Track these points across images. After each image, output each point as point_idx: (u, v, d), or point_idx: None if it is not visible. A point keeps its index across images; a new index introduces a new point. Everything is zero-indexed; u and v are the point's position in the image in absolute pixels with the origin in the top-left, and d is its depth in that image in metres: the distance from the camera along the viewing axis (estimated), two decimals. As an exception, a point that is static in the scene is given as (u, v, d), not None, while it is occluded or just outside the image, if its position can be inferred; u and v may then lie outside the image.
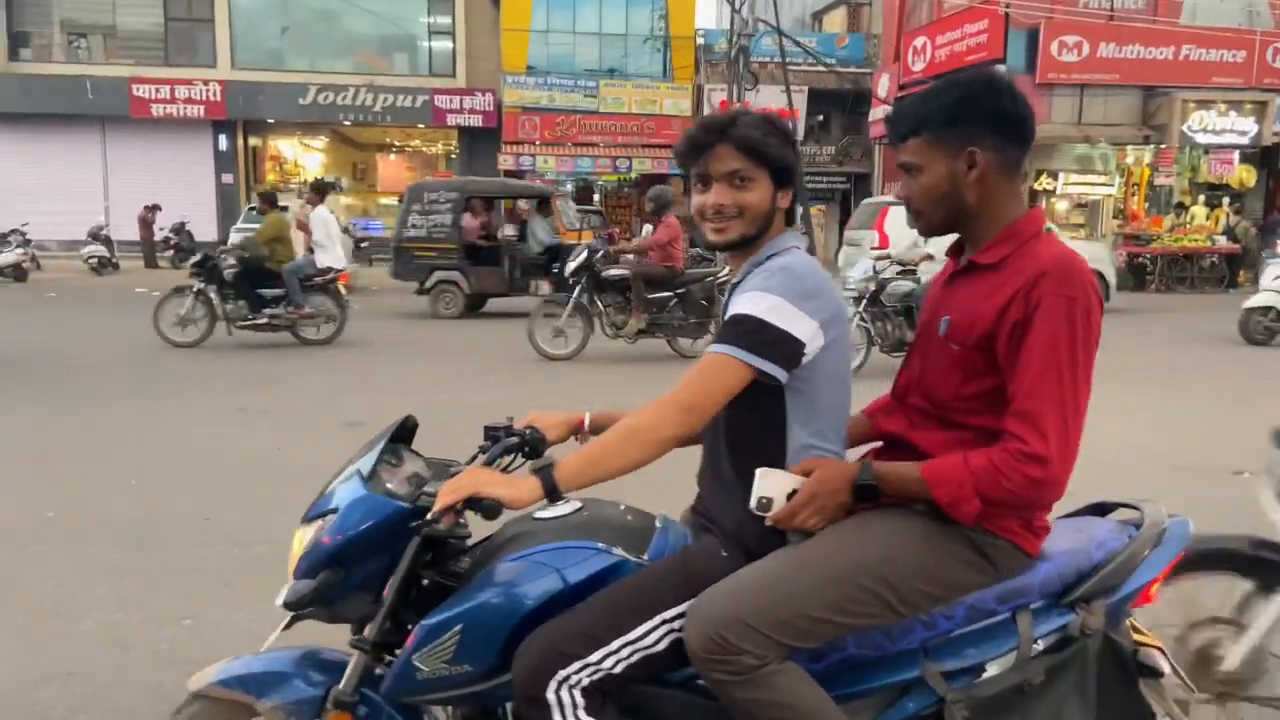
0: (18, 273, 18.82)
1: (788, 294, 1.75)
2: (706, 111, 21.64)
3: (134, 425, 6.88)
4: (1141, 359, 10.01)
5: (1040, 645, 1.72)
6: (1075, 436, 1.62)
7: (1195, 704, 2.17)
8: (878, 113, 27.33)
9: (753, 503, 1.75)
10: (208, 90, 25.29)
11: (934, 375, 1.79)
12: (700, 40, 28.09)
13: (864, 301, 9.03)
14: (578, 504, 1.94)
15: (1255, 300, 11.42)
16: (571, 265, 10.06)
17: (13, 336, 11.20)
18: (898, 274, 9.29)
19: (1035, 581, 1.73)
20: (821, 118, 29.95)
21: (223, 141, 26.15)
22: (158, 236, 23.22)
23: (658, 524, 1.94)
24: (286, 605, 1.74)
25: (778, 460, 1.79)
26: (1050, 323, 1.61)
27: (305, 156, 28.67)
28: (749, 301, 1.76)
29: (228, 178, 26.12)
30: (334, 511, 1.80)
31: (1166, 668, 1.77)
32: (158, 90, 25.16)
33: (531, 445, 2.02)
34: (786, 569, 1.69)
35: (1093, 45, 21.33)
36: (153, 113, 25.18)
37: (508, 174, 25.93)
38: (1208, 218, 21.44)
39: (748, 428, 1.82)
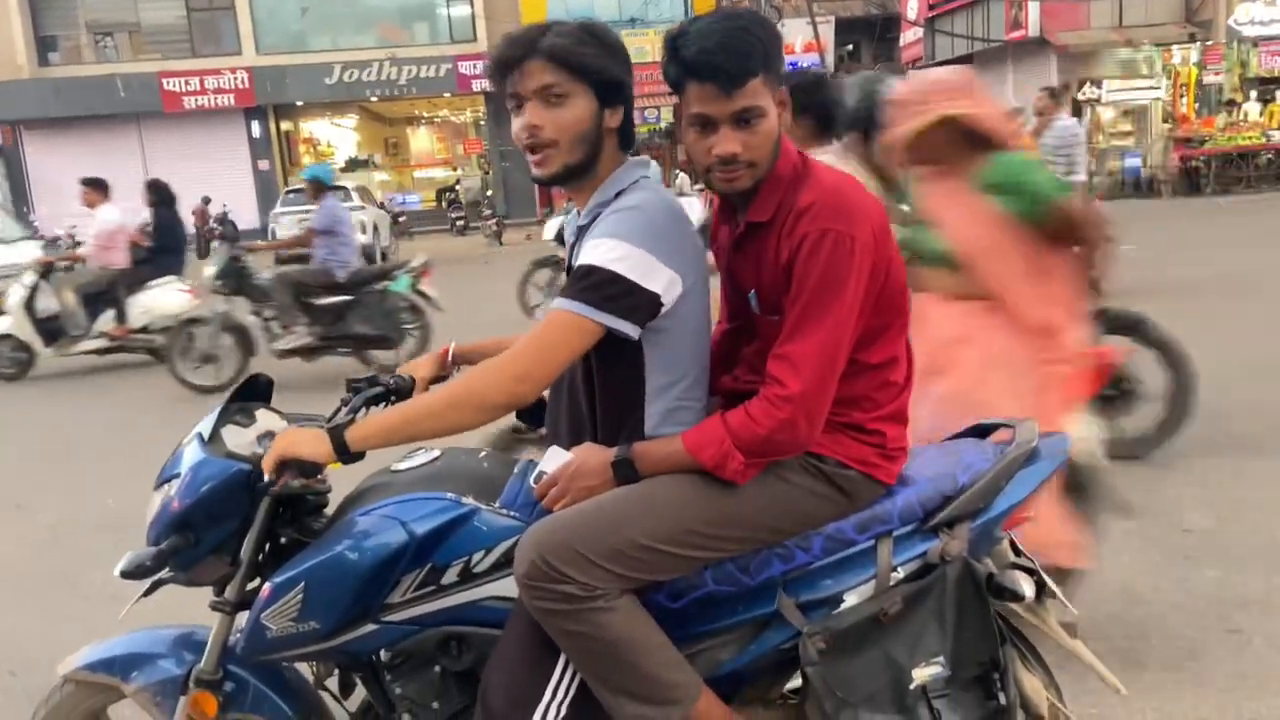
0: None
1: (641, 239, 1.61)
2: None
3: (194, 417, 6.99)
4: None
5: (900, 573, 1.70)
6: (832, 374, 1.59)
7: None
8: (908, 36, 26.61)
9: (532, 477, 1.70)
10: (235, 78, 25.45)
11: (768, 349, 1.66)
12: (721, -21, 27.48)
13: None
14: (435, 453, 1.90)
15: None
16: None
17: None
18: None
19: (895, 508, 1.71)
20: (850, 47, 29.26)
21: (255, 128, 26.34)
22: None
23: (515, 471, 1.87)
24: (124, 574, 1.70)
25: (636, 413, 1.71)
26: (811, 259, 1.56)
27: (337, 136, 28.81)
28: (596, 250, 1.62)
29: (264, 164, 26.35)
30: (179, 475, 1.78)
31: (1029, 591, 1.71)
32: (187, 82, 25.38)
33: (398, 392, 1.96)
34: (625, 497, 1.63)
35: (1130, -58, 20.46)
36: (185, 105, 25.44)
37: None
38: (1261, 113, 20.53)
39: (604, 378, 1.72)
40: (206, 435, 1.82)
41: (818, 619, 1.67)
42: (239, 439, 1.85)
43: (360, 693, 1.93)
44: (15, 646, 3.48)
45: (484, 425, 1.66)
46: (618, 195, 1.71)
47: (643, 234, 1.62)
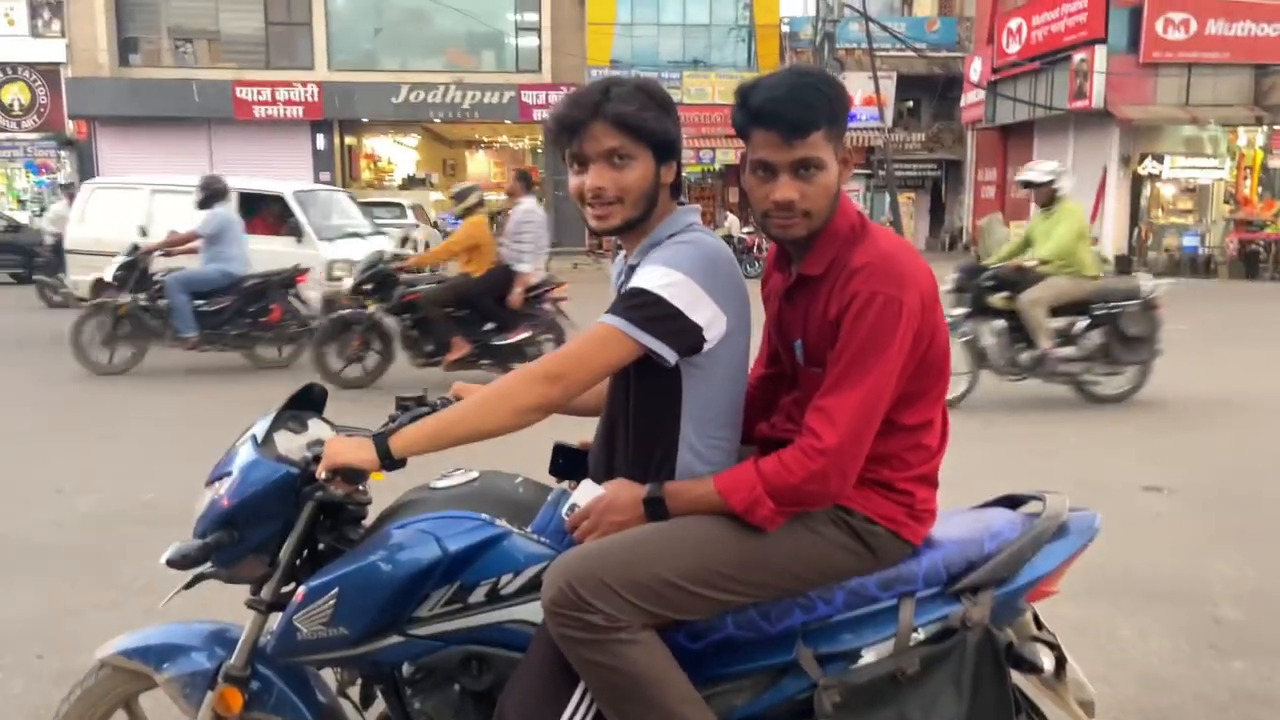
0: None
1: (691, 271, 1.67)
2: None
3: (239, 412, 7.12)
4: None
5: (920, 635, 1.70)
6: (867, 432, 1.61)
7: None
8: (970, 97, 26.60)
9: (564, 509, 1.74)
10: (306, 91, 26.06)
11: (807, 399, 1.70)
12: (785, 28, 27.76)
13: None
14: (473, 475, 1.95)
15: None
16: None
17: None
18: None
19: (920, 570, 1.72)
20: (911, 103, 29.31)
21: (320, 140, 26.91)
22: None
23: (549, 499, 1.91)
24: (169, 563, 1.77)
25: (668, 448, 1.75)
26: (858, 319, 1.60)
27: (398, 154, 29.37)
28: (648, 275, 1.68)
29: (325, 176, 26.87)
30: (230, 474, 1.85)
31: (1048, 665, 1.72)
32: (259, 92, 26.03)
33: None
34: (656, 533, 1.66)
35: (1201, 22, 20.33)
36: (255, 114, 26.08)
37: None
38: (1327, 202, 20.24)
39: (641, 409, 1.76)
40: (260, 438, 1.89)
41: (834, 672, 1.68)
42: (290, 444, 1.91)
43: (380, 705, 1.97)
44: (44, 628, 3.56)
45: (518, 428, 1.69)
46: (669, 237, 1.78)
47: (693, 267, 1.68)
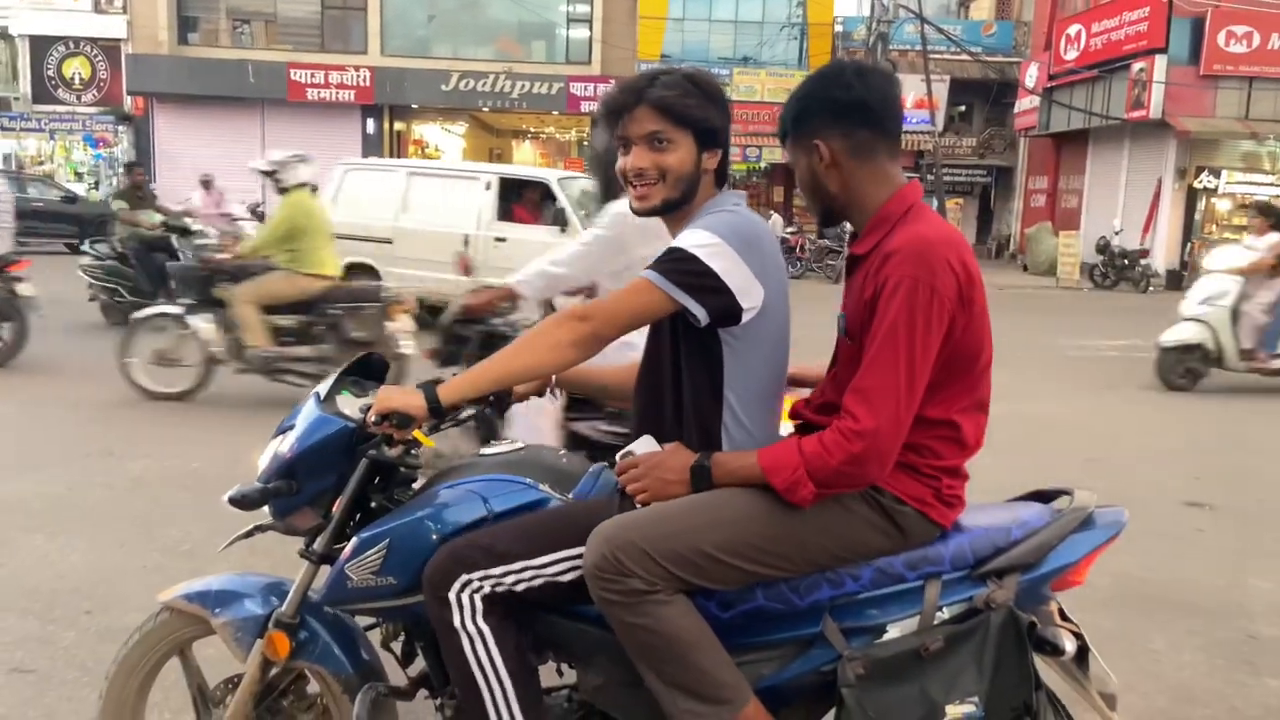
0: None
1: (728, 236, 1.74)
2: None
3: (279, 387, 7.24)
4: None
5: (945, 614, 1.74)
6: (905, 415, 1.64)
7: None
8: (1024, 103, 26.23)
9: (620, 453, 1.81)
10: (358, 76, 26.34)
11: (843, 372, 1.79)
12: (839, 27, 27.56)
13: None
14: (520, 444, 2.04)
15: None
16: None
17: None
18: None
19: (947, 552, 1.76)
20: (963, 108, 28.97)
21: (370, 125, 27.19)
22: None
23: (590, 471, 1.99)
24: (231, 501, 1.89)
25: (715, 417, 1.81)
26: (890, 301, 1.63)
27: (445, 141, 29.60)
28: (686, 236, 1.77)
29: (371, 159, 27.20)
30: (293, 427, 1.95)
31: (1070, 648, 1.75)
32: (313, 75, 26.35)
33: (495, 404, 2.06)
34: (695, 505, 1.72)
35: (1264, 35, 19.90)
36: (308, 96, 26.41)
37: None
38: (1389, 222, 19.69)
39: (690, 380, 1.82)
40: (323, 395, 1.99)
41: (859, 645, 1.73)
42: (349, 404, 2.00)
43: (419, 664, 2.05)
44: (93, 586, 3.68)
45: (556, 366, 1.78)
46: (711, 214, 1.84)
47: (730, 233, 1.75)
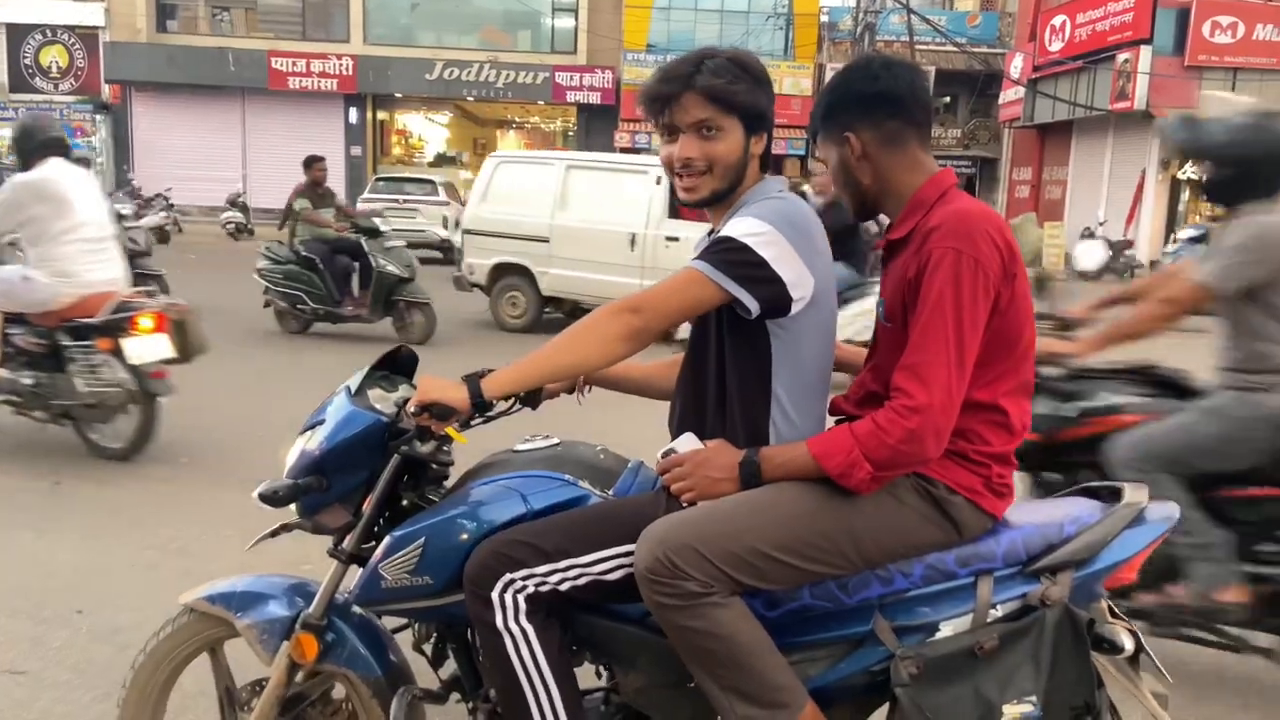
0: (160, 235, 19.87)
1: (780, 225, 1.69)
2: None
3: (271, 377, 7.15)
4: None
5: (998, 611, 1.71)
6: (958, 387, 1.61)
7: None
8: (1009, 94, 26.31)
9: (661, 451, 1.76)
10: (341, 64, 26.12)
11: (883, 359, 1.76)
12: (824, 17, 27.54)
13: None
14: (555, 440, 1.98)
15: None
16: None
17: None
18: None
19: (999, 548, 1.73)
20: (948, 99, 29.04)
21: (353, 114, 27.00)
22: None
23: (630, 466, 1.95)
24: (261, 497, 1.81)
25: (764, 411, 1.76)
26: (936, 275, 1.61)
27: (429, 131, 29.40)
28: (736, 224, 1.71)
29: (356, 150, 26.99)
30: (323, 422, 1.89)
31: (1129, 645, 1.72)
32: (294, 63, 26.12)
33: (526, 401, 2.01)
34: (747, 503, 1.68)
35: (1249, 26, 20.00)
36: (289, 85, 26.18)
37: (623, 151, 26.04)
38: (1370, 213, 19.89)
39: (737, 373, 1.77)
40: (354, 389, 1.93)
41: (912, 644, 1.68)
42: (381, 399, 1.94)
43: (451, 665, 1.99)
44: (83, 584, 3.59)
45: (606, 360, 1.72)
46: (758, 202, 1.79)
47: (782, 221, 1.70)
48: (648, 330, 1.68)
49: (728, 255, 1.67)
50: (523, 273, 9.90)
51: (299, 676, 1.95)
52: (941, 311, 1.60)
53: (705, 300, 1.69)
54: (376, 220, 9.38)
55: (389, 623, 2.06)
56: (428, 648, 2.01)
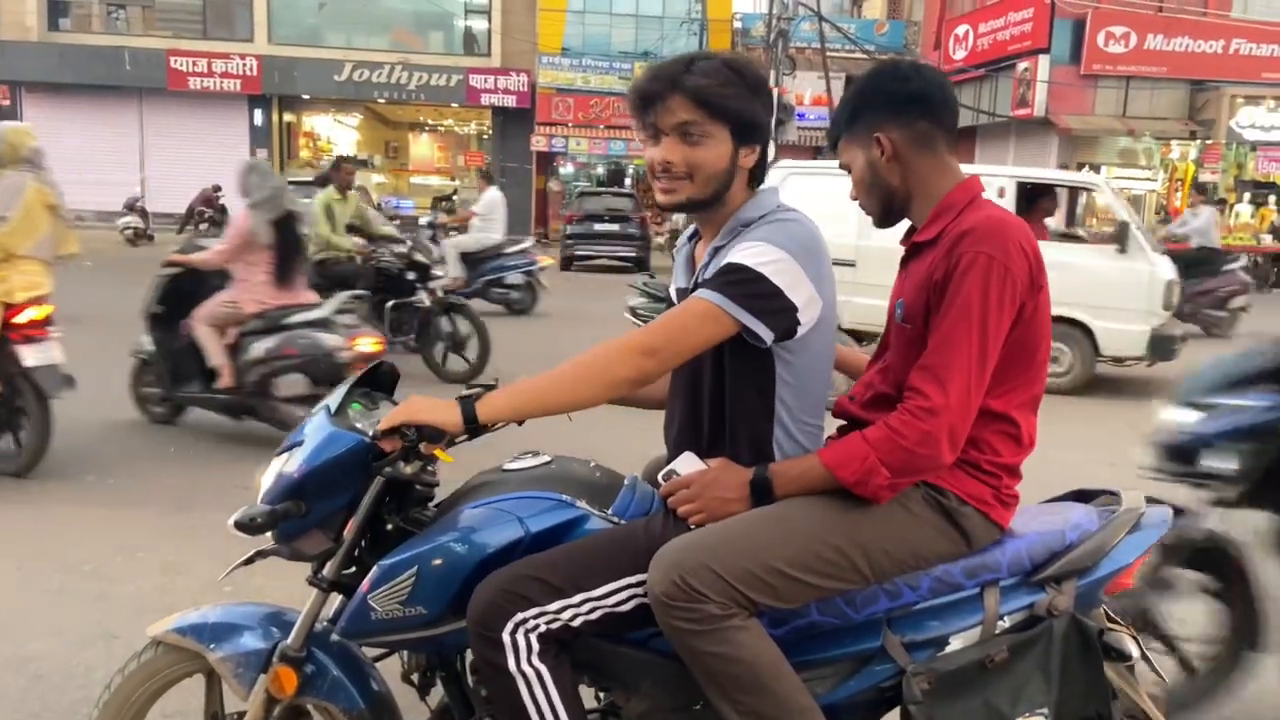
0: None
1: (793, 250, 1.64)
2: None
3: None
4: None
5: (1006, 622, 1.71)
6: (976, 392, 1.61)
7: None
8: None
9: (661, 473, 1.71)
10: (244, 65, 25.35)
11: (896, 359, 1.74)
12: (737, 24, 27.84)
13: None
14: (547, 458, 1.90)
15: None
16: None
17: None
18: None
19: (1004, 558, 1.72)
20: (858, 105, 29.63)
21: (258, 116, 26.23)
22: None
23: (626, 483, 1.88)
24: (237, 525, 1.70)
25: (762, 430, 1.72)
26: (966, 279, 1.60)
27: (339, 134, 28.72)
28: (748, 251, 1.64)
29: (261, 153, 26.17)
30: (301, 443, 1.78)
31: (1135, 652, 1.74)
32: (195, 63, 25.24)
33: None
34: (760, 521, 1.64)
35: (1140, 36, 20.92)
36: (190, 85, 25.29)
37: (539, 156, 25.87)
38: (1253, 216, 20.99)
39: (738, 392, 1.72)
40: (334, 409, 1.81)
41: (922, 659, 1.66)
42: (362, 418, 1.83)
43: (439, 692, 1.90)
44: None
45: (610, 400, 1.66)
46: (762, 217, 1.73)
47: (795, 246, 1.64)
48: (660, 371, 1.63)
49: (743, 287, 1.60)
50: None
51: (276, 711, 1.83)
52: (968, 315, 1.59)
53: (720, 336, 1.63)
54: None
55: (370, 651, 1.95)
56: (416, 677, 1.91)
